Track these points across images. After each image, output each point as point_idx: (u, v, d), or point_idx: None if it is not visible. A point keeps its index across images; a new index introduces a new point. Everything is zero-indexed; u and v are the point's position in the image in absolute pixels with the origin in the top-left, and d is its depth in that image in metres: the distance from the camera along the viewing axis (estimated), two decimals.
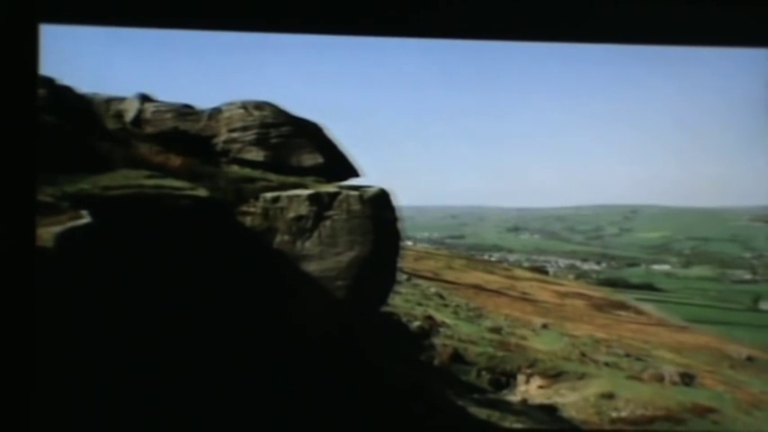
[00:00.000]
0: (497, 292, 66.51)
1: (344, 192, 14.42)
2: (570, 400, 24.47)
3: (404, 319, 29.51)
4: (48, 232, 7.93)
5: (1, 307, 1.72)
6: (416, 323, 29.86)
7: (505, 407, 20.88)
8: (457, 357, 26.39)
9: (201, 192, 13.02)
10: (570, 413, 22.94)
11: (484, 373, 26.00)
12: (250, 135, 16.39)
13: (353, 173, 17.62)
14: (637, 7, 1.74)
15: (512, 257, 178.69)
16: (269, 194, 14.22)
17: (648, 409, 23.52)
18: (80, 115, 13.84)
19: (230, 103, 17.06)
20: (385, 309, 22.24)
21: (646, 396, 25.07)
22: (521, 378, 26.65)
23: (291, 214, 13.89)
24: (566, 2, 1.72)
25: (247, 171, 15.76)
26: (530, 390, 25.97)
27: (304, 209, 13.95)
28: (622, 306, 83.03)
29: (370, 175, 18.05)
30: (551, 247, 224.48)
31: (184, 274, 11.14)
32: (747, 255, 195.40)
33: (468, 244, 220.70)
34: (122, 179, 11.89)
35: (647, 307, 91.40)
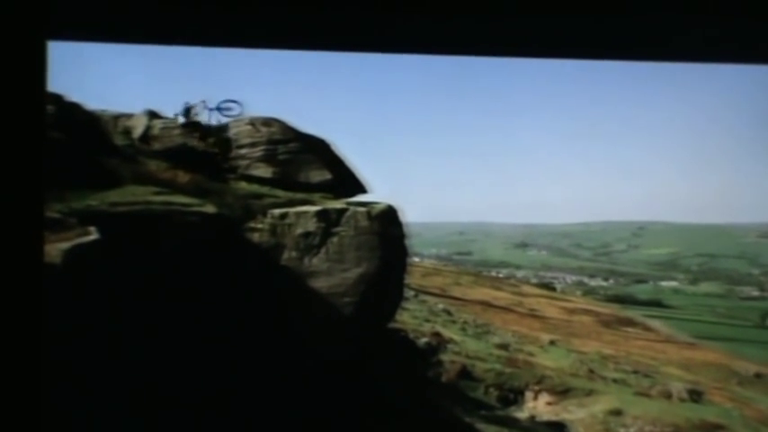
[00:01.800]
0: (505, 309, 66.40)
1: (352, 208, 14.41)
2: (578, 416, 24.31)
3: (411, 336, 29.36)
4: (56, 249, 7.95)
5: (8, 324, 1.71)
6: (424, 340, 29.72)
7: (513, 423, 20.78)
8: (464, 374, 26.25)
9: (209, 208, 13.04)
10: (578, 430, 22.81)
11: (492, 389, 25.85)
12: (258, 151, 16.42)
13: (361, 189, 17.63)
14: (643, 23, 1.74)
15: (519, 274, 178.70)
16: (277, 211, 14.23)
17: (657, 426, 23.36)
18: (88, 132, 13.91)
19: (238, 120, 17.11)
20: (392, 325, 22.17)
21: (654, 412, 24.91)
22: (529, 395, 26.49)
23: (299, 230, 13.89)
24: (575, 18, 1.72)
25: (255, 187, 15.78)
26: (538, 406, 25.81)
27: (312, 225, 13.94)
28: (630, 322, 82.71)
29: (378, 192, 18.13)
30: (559, 264, 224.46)
31: (192, 290, 11.13)
32: (755, 271, 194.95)
33: (476, 260, 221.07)
34: (130, 195, 11.92)
35: (655, 323, 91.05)
